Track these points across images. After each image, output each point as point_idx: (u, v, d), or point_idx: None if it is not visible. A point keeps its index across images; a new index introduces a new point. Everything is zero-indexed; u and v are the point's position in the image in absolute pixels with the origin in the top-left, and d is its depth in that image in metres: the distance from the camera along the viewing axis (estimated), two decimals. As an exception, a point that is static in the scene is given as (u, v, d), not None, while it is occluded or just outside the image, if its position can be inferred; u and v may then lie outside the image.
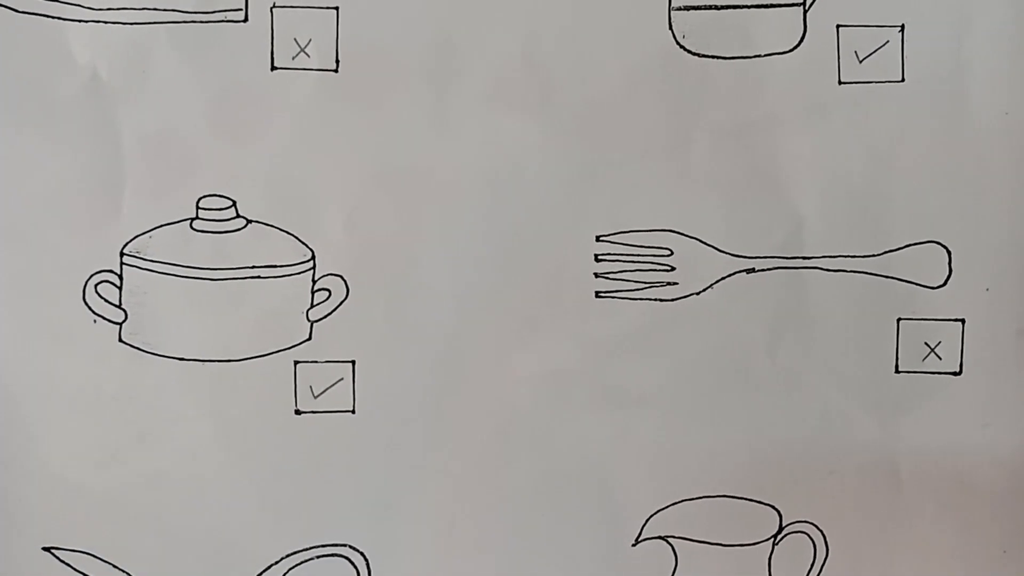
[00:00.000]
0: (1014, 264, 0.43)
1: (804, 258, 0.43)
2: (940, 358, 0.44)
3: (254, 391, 0.43)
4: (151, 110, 0.42)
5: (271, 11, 0.42)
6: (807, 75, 0.43)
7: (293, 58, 0.42)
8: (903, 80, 0.43)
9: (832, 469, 0.44)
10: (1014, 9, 0.43)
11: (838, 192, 0.43)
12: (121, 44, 0.42)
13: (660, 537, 0.44)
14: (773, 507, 0.44)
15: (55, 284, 0.42)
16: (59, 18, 0.41)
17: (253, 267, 0.42)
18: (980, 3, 0.43)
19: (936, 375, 0.44)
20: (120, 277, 0.42)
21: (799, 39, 0.43)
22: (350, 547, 0.43)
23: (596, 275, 0.43)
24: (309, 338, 0.43)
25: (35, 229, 0.42)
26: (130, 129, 0.42)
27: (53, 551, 0.43)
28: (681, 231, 0.43)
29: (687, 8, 0.43)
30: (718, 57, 0.43)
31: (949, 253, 0.43)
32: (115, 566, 0.43)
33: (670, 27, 0.43)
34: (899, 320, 0.44)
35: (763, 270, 0.43)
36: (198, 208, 0.42)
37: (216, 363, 0.43)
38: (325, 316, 0.43)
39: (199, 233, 0.42)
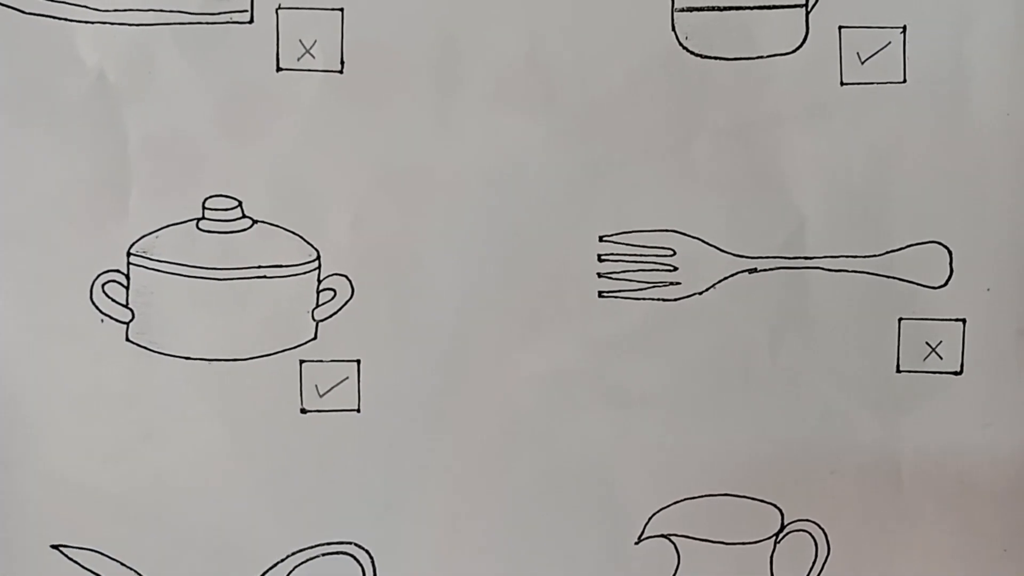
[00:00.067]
0: (1015, 264, 0.44)
1: (806, 258, 0.44)
2: (941, 358, 0.44)
3: (260, 390, 0.43)
4: (157, 111, 0.42)
5: (276, 12, 0.42)
6: (809, 76, 0.43)
7: (298, 59, 0.42)
8: (905, 81, 0.43)
9: (833, 468, 0.44)
10: (1015, 10, 0.43)
11: (840, 192, 0.43)
12: (127, 45, 0.42)
13: (662, 535, 0.44)
14: (775, 506, 0.44)
15: (62, 284, 0.42)
16: (66, 19, 0.41)
17: (259, 267, 0.43)
18: (981, 5, 0.43)
19: (937, 375, 0.44)
20: (127, 277, 0.42)
21: (801, 40, 0.43)
22: (355, 545, 0.44)
23: (599, 275, 0.43)
24: (315, 337, 0.43)
25: (42, 229, 0.42)
26: (136, 130, 0.42)
27: (61, 549, 0.43)
28: (683, 231, 0.44)
29: (690, 9, 0.43)
30: (721, 58, 0.43)
31: (950, 253, 0.44)
32: (123, 563, 0.43)
33: (673, 28, 0.43)
34: (900, 320, 0.44)
35: (765, 270, 0.44)
36: (204, 208, 0.42)
37: (222, 362, 0.43)
38: (330, 316, 0.43)
39: (205, 233, 0.42)
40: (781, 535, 0.44)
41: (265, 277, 0.43)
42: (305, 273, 0.43)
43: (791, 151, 0.43)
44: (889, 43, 0.43)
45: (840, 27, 0.43)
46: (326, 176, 0.43)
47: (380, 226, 0.43)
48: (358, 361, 0.43)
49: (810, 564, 0.44)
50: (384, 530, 0.44)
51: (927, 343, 0.44)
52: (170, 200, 0.42)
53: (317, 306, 0.43)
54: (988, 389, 0.44)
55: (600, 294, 0.43)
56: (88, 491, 0.43)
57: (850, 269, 0.43)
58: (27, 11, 0.41)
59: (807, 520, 0.44)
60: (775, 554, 0.44)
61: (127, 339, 0.43)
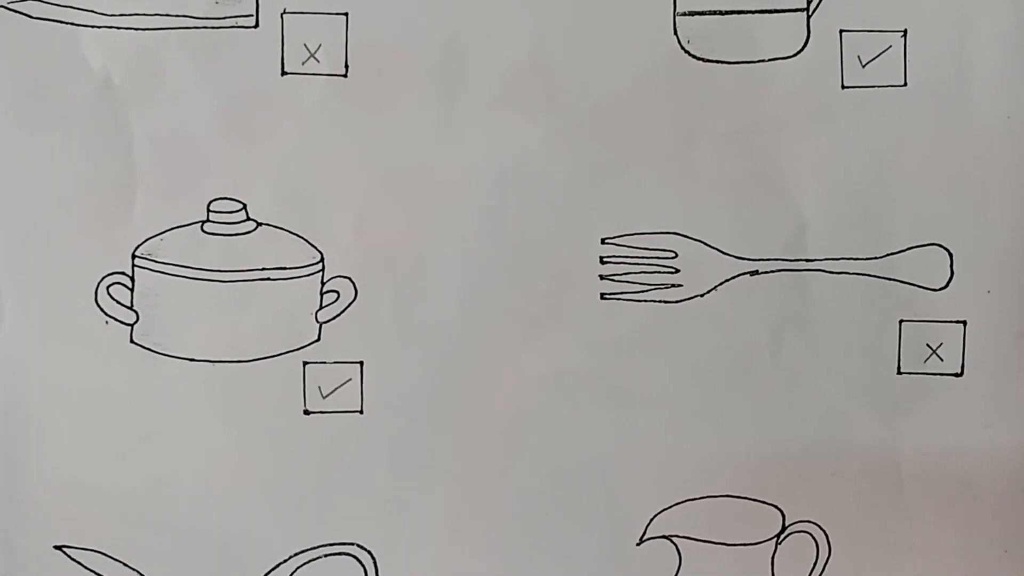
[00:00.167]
0: (1015, 266, 0.44)
1: (807, 260, 0.44)
2: (942, 359, 0.44)
3: (264, 391, 0.43)
4: (163, 114, 0.42)
5: (281, 17, 0.42)
6: (811, 79, 0.43)
7: (303, 63, 0.43)
8: (905, 84, 0.43)
9: (835, 469, 0.44)
10: (1016, 14, 0.43)
11: (841, 195, 0.43)
12: (133, 49, 0.42)
13: (664, 536, 0.44)
14: (776, 507, 0.44)
15: (67, 286, 0.42)
16: (72, 24, 0.42)
17: (263, 269, 0.43)
18: (982, 8, 0.43)
19: (938, 376, 0.44)
20: (132, 279, 0.42)
21: (803, 44, 0.43)
22: (358, 546, 0.44)
23: (601, 277, 0.44)
24: (318, 339, 0.43)
25: (48, 231, 0.42)
26: (142, 133, 0.42)
27: (64, 550, 0.43)
28: (685, 233, 0.44)
29: (692, 13, 0.43)
30: (722, 62, 0.43)
31: (951, 256, 0.44)
32: (126, 564, 0.43)
33: (675, 32, 0.43)
34: (901, 322, 0.44)
35: (766, 272, 0.44)
36: (209, 211, 0.42)
37: (226, 364, 0.43)
38: (334, 317, 0.43)
39: (210, 236, 0.43)
40: (782, 536, 0.44)
41: (269, 279, 0.43)
42: (309, 275, 0.43)
43: (792, 154, 0.43)
44: (890, 47, 0.43)
45: (841, 31, 0.43)
46: (330, 179, 0.43)
47: (383, 228, 0.43)
48: (361, 363, 0.43)
49: (811, 565, 0.44)
50: (386, 531, 0.44)
51: (928, 345, 0.44)
52: (175, 203, 0.42)
53: (320, 308, 0.43)
54: (988, 391, 0.44)
55: (602, 296, 0.44)
56: (92, 492, 0.43)
57: (851, 271, 0.44)
58: (34, 16, 0.42)
59: (808, 521, 0.44)
60: (776, 555, 0.44)
61: (131, 341, 0.43)
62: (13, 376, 0.42)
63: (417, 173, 0.43)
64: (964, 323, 0.44)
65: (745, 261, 0.44)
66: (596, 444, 0.44)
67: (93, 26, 0.42)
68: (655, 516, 0.44)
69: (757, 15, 0.43)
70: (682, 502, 0.44)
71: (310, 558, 0.44)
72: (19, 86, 0.42)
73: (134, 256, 0.42)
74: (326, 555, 0.44)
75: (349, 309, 0.43)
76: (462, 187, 0.43)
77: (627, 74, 0.43)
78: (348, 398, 0.43)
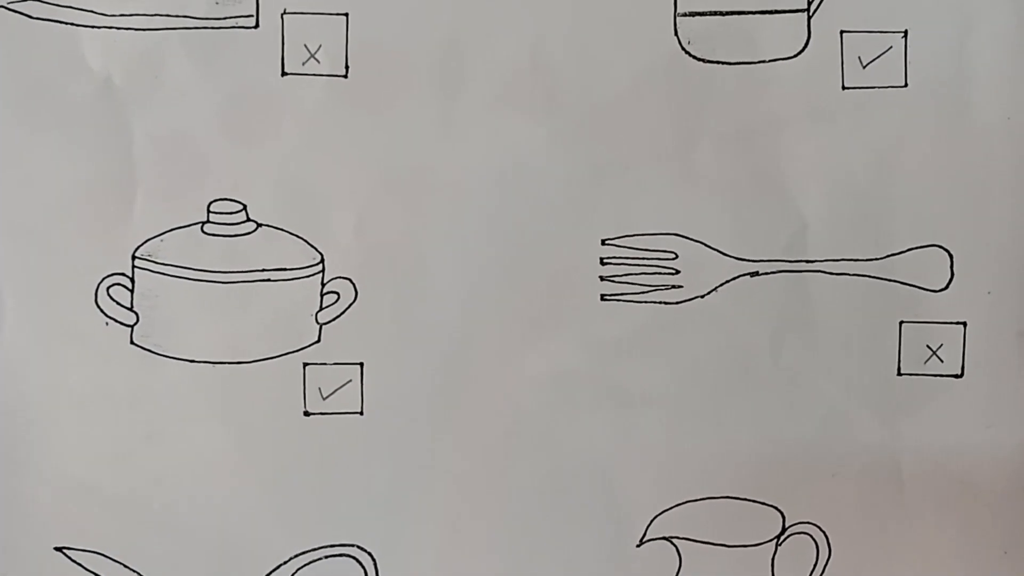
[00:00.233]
0: (1015, 268, 0.44)
1: (807, 261, 0.44)
2: (942, 361, 0.44)
3: (264, 393, 0.43)
4: (163, 115, 0.42)
5: (282, 17, 0.42)
6: (811, 80, 0.43)
7: (303, 63, 0.43)
8: (906, 85, 0.43)
9: (835, 470, 0.44)
10: (1016, 15, 0.43)
11: (841, 196, 0.43)
12: (134, 50, 0.42)
13: (664, 538, 0.44)
14: (776, 508, 0.44)
15: (67, 287, 0.42)
16: (72, 24, 0.42)
17: (263, 270, 0.43)
18: (983, 9, 0.43)
19: (938, 377, 0.44)
20: (132, 280, 0.42)
21: (803, 45, 0.43)
22: (358, 547, 0.44)
23: (601, 278, 0.44)
24: (318, 340, 0.43)
25: (48, 232, 0.42)
26: (142, 134, 0.42)
27: (64, 551, 0.43)
28: (686, 235, 0.44)
29: (692, 14, 0.43)
30: (723, 63, 0.43)
31: (951, 257, 0.44)
32: (126, 566, 0.43)
33: (675, 33, 0.43)
34: (901, 323, 0.44)
35: (767, 273, 0.44)
36: (209, 212, 0.42)
37: (226, 365, 0.43)
38: (334, 319, 0.43)
39: (210, 236, 0.43)
40: (782, 537, 0.44)
41: (269, 280, 0.43)
42: (309, 276, 0.43)
43: (793, 155, 0.43)
44: (891, 47, 0.43)
45: (842, 31, 0.43)
46: (330, 180, 0.43)
47: (384, 229, 0.43)
48: (361, 364, 0.43)
49: (811, 566, 0.44)
50: (387, 532, 0.44)
51: (928, 346, 0.44)
52: (175, 204, 0.42)
53: (321, 309, 0.43)
54: (989, 392, 0.44)
55: (603, 297, 0.44)
56: (92, 493, 0.43)
57: (851, 272, 0.44)
58: (34, 16, 0.42)
59: (808, 522, 0.44)
60: (776, 556, 0.44)
61: (132, 342, 0.43)
62: (13, 377, 0.42)
63: (417, 173, 0.43)
64: (964, 324, 0.44)
65: (745, 262, 0.44)
66: (596, 445, 0.44)
67: (93, 26, 0.42)
68: (655, 517, 0.44)
69: (758, 16, 0.43)
70: (682, 503, 0.44)
71: (310, 559, 0.44)
72: (19, 86, 0.42)
73: (134, 257, 0.42)
74: (326, 556, 0.44)
75: (349, 310, 0.43)
76: (462, 187, 0.43)
77: (627, 75, 0.43)
78: (348, 399, 0.43)
